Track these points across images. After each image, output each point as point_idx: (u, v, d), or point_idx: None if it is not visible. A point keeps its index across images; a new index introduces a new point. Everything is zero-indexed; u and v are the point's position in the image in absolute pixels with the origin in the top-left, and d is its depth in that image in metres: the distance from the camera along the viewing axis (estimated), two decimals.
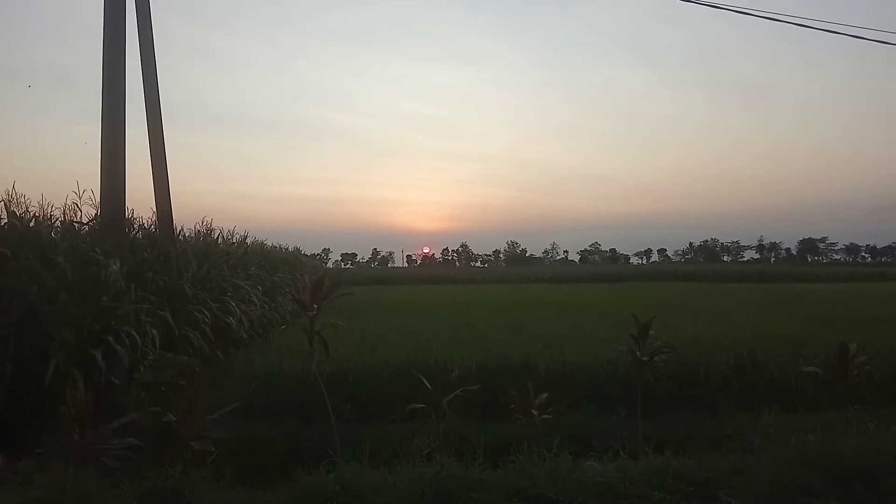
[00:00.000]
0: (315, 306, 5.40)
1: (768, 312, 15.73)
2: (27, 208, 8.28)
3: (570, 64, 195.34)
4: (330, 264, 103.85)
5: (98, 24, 8.67)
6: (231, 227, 14.91)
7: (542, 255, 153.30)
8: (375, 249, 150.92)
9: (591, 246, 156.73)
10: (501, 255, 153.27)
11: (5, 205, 8.01)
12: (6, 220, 7.97)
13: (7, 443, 6.05)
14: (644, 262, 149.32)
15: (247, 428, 6.15)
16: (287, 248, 23.09)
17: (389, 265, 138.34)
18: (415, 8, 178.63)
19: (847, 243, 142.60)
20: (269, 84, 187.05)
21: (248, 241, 15.88)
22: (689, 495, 4.55)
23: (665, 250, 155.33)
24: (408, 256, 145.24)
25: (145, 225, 10.23)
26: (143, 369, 7.27)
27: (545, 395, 5.98)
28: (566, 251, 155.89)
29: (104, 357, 6.98)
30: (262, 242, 18.32)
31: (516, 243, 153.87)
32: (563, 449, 5.21)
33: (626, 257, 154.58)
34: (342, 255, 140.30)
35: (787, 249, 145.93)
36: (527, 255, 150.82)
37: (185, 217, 16.81)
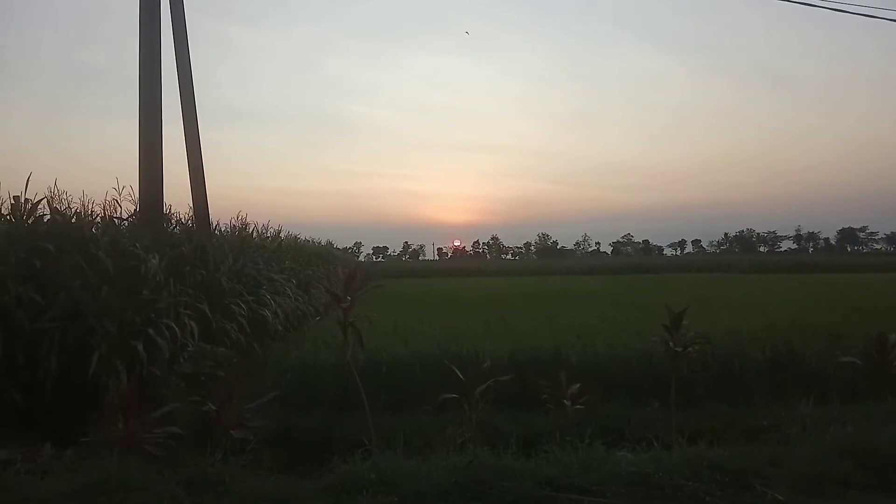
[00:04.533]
0: (348, 298, 5.49)
1: (805, 303, 15.45)
2: (69, 205, 8.54)
3: (600, 54, 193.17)
4: (361, 258, 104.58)
5: (134, 24, 8.88)
6: (265, 222, 15.12)
7: (573, 247, 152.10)
8: (406, 243, 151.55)
9: (623, 237, 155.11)
10: (532, 248, 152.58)
11: (48, 202, 8.26)
12: (49, 217, 8.23)
13: (54, 432, 6.29)
14: (678, 253, 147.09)
15: (283, 417, 6.28)
16: (320, 242, 23.35)
17: (420, 258, 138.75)
18: (440, 1, 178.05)
19: (888, 232, 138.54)
20: (298, 80, 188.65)
21: (281, 235, 16.10)
22: (724, 486, 4.53)
23: (699, 241, 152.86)
24: (438, 249, 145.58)
25: (182, 220, 10.46)
26: (182, 361, 7.48)
27: (577, 385, 5.99)
28: (598, 243, 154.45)
29: (145, 349, 7.17)
30: (296, 236, 18.55)
31: (547, 235, 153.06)
32: (595, 439, 5.23)
33: (660, 248, 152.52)
34: (373, 248, 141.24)
35: (826, 239, 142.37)
36: (558, 247, 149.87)
37: (221, 212, 17.11)
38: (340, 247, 34.56)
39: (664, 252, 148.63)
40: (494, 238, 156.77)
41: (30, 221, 7.98)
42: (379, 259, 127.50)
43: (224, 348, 7.71)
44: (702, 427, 6.24)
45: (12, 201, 8.05)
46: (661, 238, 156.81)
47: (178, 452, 5.21)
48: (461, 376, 5.86)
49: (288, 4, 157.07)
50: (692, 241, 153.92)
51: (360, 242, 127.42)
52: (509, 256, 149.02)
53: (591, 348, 8.26)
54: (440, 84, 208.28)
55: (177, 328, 7.68)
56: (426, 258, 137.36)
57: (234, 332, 9.33)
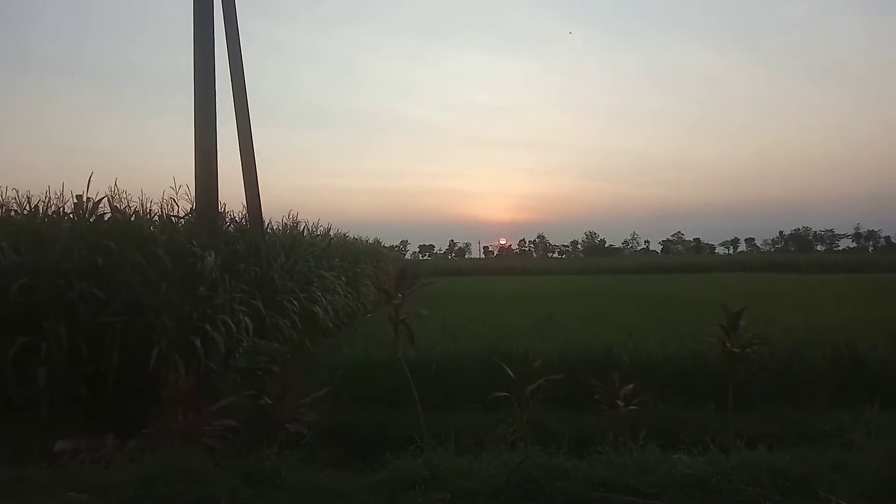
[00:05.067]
0: (399, 296, 5.53)
1: (867, 303, 14.87)
2: (129, 204, 8.83)
3: (643, 47, 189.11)
4: (407, 256, 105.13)
5: (188, 28, 9.13)
6: (315, 220, 15.35)
7: (621, 245, 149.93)
8: (452, 241, 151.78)
9: (673, 235, 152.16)
10: (580, 246, 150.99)
11: (109, 200, 8.55)
12: (110, 215, 8.53)
13: (117, 424, 6.51)
14: (731, 251, 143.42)
15: (336, 413, 6.37)
16: (367, 240, 23.60)
17: (466, 256, 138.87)
18: None
19: None
20: (346, 79, 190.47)
21: (331, 233, 16.33)
22: (785, 491, 4.40)
23: (753, 239, 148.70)
24: (484, 248, 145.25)
25: (236, 218, 10.70)
26: (237, 356, 7.65)
27: (630, 385, 5.90)
28: (647, 241, 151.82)
29: (202, 344, 7.37)
30: (345, 235, 18.80)
31: (594, 234, 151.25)
32: (649, 441, 5.15)
33: (712, 247, 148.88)
34: (419, 246, 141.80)
35: (887, 238, 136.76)
36: (605, 245, 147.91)
37: (273, 210, 17.44)
38: (387, 245, 34.81)
39: (716, 251, 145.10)
40: (541, 236, 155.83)
41: (92, 220, 8.29)
42: (425, 257, 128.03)
43: (277, 344, 7.86)
44: (760, 430, 6.07)
45: (75, 200, 8.38)
46: (713, 236, 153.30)
47: (235, 445, 5.34)
48: (511, 374, 5.83)
49: (329, 4, 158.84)
50: (745, 240, 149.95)
51: (406, 241, 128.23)
52: (556, 255, 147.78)
53: (644, 348, 8.13)
54: (484, 81, 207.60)
55: (232, 324, 7.87)
56: (472, 256, 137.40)
57: (287, 328, 9.52)
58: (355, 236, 20.82)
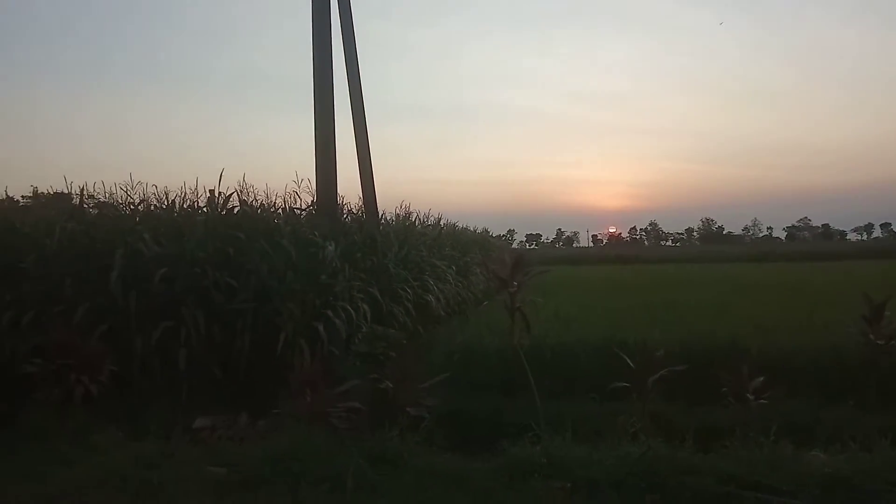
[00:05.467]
0: (515, 283, 5.53)
1: None
2: (255, 197, 9.38)
3: (764, 23, 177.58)
4: (514, 245, 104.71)
5: (306, 30, 9.54)
6: (426, 211, 15.61)
7: (741, 232, 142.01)
8: (560, 230, 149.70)
9: (799, 221, 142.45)
10: (695, 234, 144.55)
11: (238, 194, 9.12)
12: (238, 208, 9.09)
13: (249, 404, 6.95)
14: (864, 237, 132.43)
15: (451, 399, 6.46)
16: (476, 230, 23.71)
17: (574, 245, 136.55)
18: None
19: None
20: (449, 71, 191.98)
21: (441, 223, 16.54)
22: None
23: (889, 224, 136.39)
24: (593, 236, 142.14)
25: (353, 210, 11.08)
26: (357, 341, 7.95)
27: (760, 378, 5.60)
28: (770, 228, 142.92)
29: (325, 329, 7.71)
30: (454, 225, 18.97)
31: (711, 220, 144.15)
32: (780, 437, 4.87)
33: (843, 233, 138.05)
34: (526, 235, 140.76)
35: None
36: (724, 232, 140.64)
37: (386, 202, 17.86)
38: (494, 234, 34.79)
39: (847, 237, 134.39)
40: (653, 224, 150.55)
41: (223, 213, 8.87)
42: (532, 246, 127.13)
43: (394, 330, 8.09)
44: None
45: (208, 195, 8.99)
46: (844, 221, 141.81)
47: (357, 426, 5.56)
48: (631, 364, 5.69)
49: None
50: (881, 225, 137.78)
51: (513, 230, 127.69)
52: (669, 243, 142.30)
53: (773, 339, 7.69)
54: (594, 66, 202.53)
55: (352, 310, 8.18)
56: (580, 245, 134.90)
57: (402, 316, 9.76)
58: (464, 226, 20.99)
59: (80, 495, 4.70)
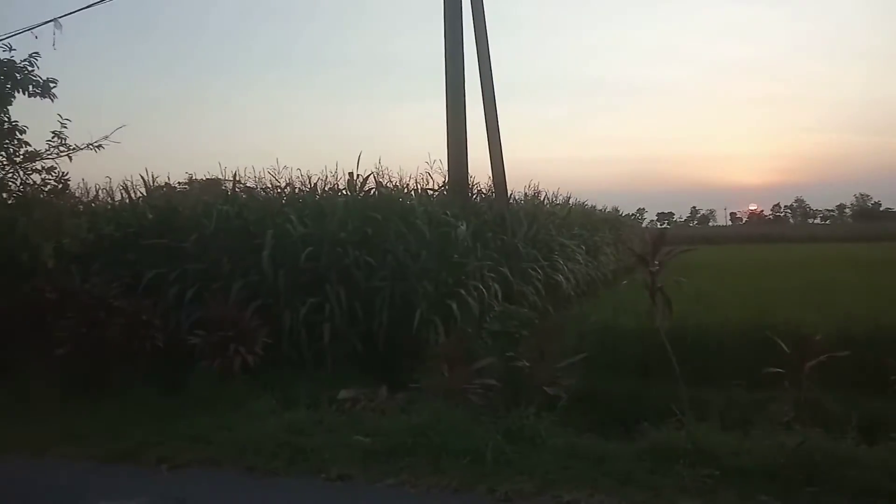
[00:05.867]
0: (656, 263, 5.32)
1: None
2: (390, 179, 9.67)
3: None
4: (645, 224, 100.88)
5: (437, 17, 9.65)
6: (555, 190, 15.38)
7: None
8: (694, 207, 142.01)
9: None
10: (847, 210, 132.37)
11: (374, 177, 9.45)
12: (375, 190, 9.41)
13: (387, 378, 7.23)
14: None
15: (587, 380, 6.38)
16: (605, 209, 23.09)
17: (710, 224, 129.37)
18: None
19: None
20: (578, 46, 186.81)
21: (570, 202, 16.26)
22: None
23: None
24: (731, 214, 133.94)
25: (483, 190, 11.13)
26: (488, 320, 8.03)
27: None
28: None
29: (458, 307, 7.85)
30: (583, 203, 18.58)
31: (867, 196, 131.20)
32: None
33: None
34: (657, 214, 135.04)
35: None
36: (881, 209, 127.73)
37: (514, 181, 17.77)
38: (623, 213, 33.71)
39: None
40: (799, 200, 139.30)
41: (361, 194, 9.23)
42: (664, 225, 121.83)
43: (525, 310, 8.08)
44: None
45: (348, 177, 9.38)
46: None
47: (493, 403, 5.62)
48: (786, 349, 5.32)
49: None
50: None
51: (643, 208, 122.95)
52: (817, 221, 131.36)
53: None
54: (730, 34, 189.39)
55: (483, 289, 8.26)
56: (716, 224, 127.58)
57: (531, 295, 9.74)
58: (592, 205, 20.49)
59: (241, 457, 5.13)
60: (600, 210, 21.59)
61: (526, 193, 13.40)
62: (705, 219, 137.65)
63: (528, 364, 5.63)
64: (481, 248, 8.99)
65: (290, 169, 9.72)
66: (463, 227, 8.53)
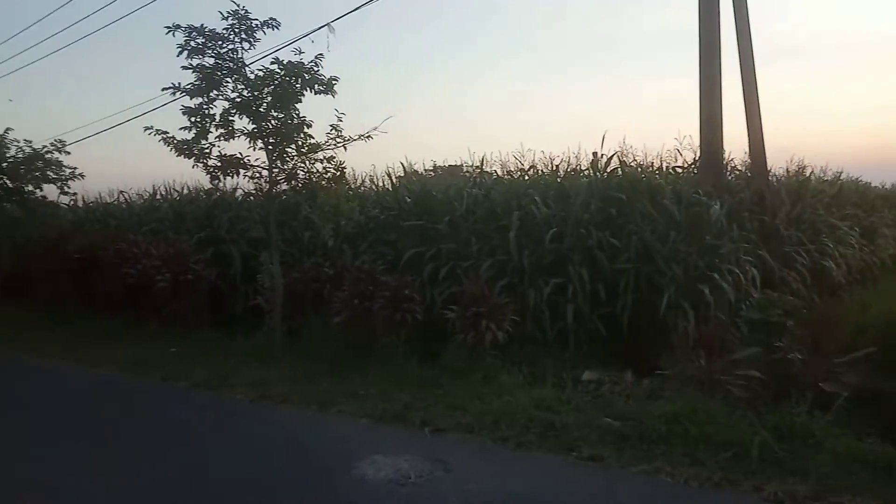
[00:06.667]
0: None
1: None
2: (634, 158, 9.38)
3: None
4: None
5: None
6: (822, 164, 13.69)
7: None
8: None
9: None
10: None
11: (618, 156, 9.22)
12: (619, 169, 9.18)
13: (630, 363, 7.08)
14: None
15: (872, 378, 5.63)
16: (883, 185, 19.96)
17: None
18: None
19: None
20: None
21: (841, 177, 14.36)
22: None
23: None
24: None
25: (738, 167, 10.31)
26: (744, 307, 7.46)
27: None
28: None
29: (710, 293, 7.39)
30: (856, 179, 16.30)
31: None
32: None
33: None
34: None
35: None
36: None
37: (775, 156, 16.11)
38: None
39: None
40: None
41: (604, 175, 9.08)
42: None
43: (790, 297, 7.37)
44: None
45: (591, 157, 9.29)
46: None
47: (754, 397, 5.22)
48: None
49: None
50: None
51: None
52: None
53: None
54: None
55: (740, 274, 7.68)
56: None
57: (795, 282, 8.85)
58: (868, 181, 17.84)
59: (495, 427, 5.38)
60: (878, 187, 18.80)
61: (787, 169, 12.13)
62: None
63: (800, 357, 5.13)
64: (737, 230, 8.35)
65: (532, 152, 9.92)
66: (717, 207, 7.98)
